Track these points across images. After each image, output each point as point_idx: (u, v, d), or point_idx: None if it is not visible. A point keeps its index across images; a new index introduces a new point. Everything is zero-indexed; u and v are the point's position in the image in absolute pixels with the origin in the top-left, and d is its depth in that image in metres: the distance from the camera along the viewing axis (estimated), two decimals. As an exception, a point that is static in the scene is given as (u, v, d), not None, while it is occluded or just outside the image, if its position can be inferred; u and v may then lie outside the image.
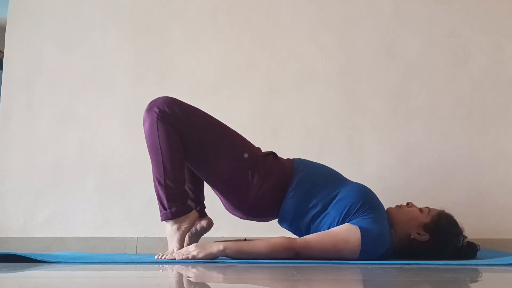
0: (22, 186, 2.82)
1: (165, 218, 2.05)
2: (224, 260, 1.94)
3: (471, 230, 2.13)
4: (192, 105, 2.15)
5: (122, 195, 2.81)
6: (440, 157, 2.84)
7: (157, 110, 2.04)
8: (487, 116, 2.88)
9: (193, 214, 2.09)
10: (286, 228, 2.16)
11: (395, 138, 2.86)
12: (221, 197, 2.17)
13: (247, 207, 2.09)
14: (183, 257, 1.92)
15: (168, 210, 2.04)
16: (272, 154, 2.16)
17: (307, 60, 2.91)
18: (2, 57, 3.00)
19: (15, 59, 2.92)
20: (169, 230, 2.06)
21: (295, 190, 2.06)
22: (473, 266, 1.88)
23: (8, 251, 2.02)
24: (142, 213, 2.77)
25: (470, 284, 1.55)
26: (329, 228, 2.02)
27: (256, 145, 2.19)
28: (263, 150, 2.19)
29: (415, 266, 1.83)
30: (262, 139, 2.83)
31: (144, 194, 2.75)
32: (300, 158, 2.20)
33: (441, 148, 2.85)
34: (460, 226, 2.09)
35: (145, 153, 2.73)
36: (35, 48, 2.93)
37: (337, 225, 2.01)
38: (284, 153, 2.82)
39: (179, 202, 2.05)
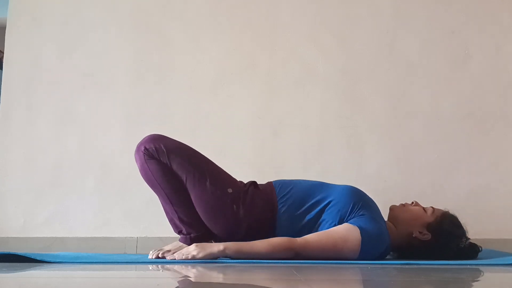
0: (22, 186, 2.82)
1: (183, 241, 2.09)
2: (224, 260, 1.94)
3: (471, 230, 2.13)
4: (179, 140, 2.15)
5: (122, 195, 2.81)
6: (440, 157, 2.84)
7: (143, 149, 2.08)
8: (487, 116, 2.88)
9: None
10: None
11: (395, 138, 2.86)
12: (214, 231, 2.13)
13: (241, 226, 2.07)
14: (183, 257, 1.92)
15: (188, 236, 2.08)
16: (253, 185, 2.14)
17: (307, 60, 2.91)
18: (2, 57, 3.00)
19: (15, 59, 2.92)
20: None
21: (284, 214, 2.05)
22: (474, 266, 1.87)
23: (8, 251, 2.02)
24: (142, 213, 2.77)
25: (471, 284, 1.55)
26: None
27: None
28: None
29: (415, 266, 1.83)
30: (262, 139, 2.84)
31: (144, 194, 2.74)
32: (278, 180, 2.17)
33: (441, 148, 2.85)
34: (464, 227, 2.09)
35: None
36: (35, 48, 2.93)
37: None
38: (284, 153, 2.83)
39: (196, 228, 2.08)
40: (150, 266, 1.86)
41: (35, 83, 2.90)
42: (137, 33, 2.94)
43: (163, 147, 2.07)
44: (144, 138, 2.12)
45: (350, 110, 2.88)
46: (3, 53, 2.97)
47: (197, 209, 2.08)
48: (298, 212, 2.05)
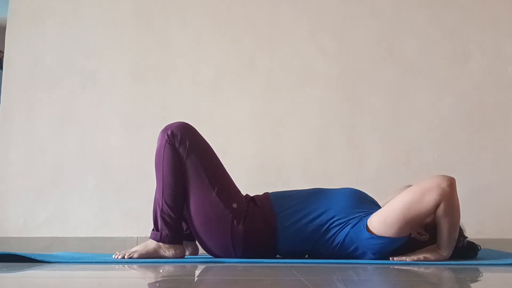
0: (22, 186, 2.82)
1: (153, 237, 2.04)
2: (224, 260, 1.94)
3: (471, 230, 2.13)
4: (206, 141, 2.12)
5: (122, 195, 2.81)
6: (440, 157, 2.84)
7: (169, 133, 2.05)
8: (487, 116, 2.88)
9: (180, 249, 2.05)
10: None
11: (395, 138, 2.86)
12: (205, 242, 2.09)
13: (239, 243, 2.03)
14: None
15: (159, 232, 2.03)
16: (252, 201, 2.10)
17: (307, 60, 2.91)
18: (2, 57, 3.00)
19: (15, 59, 2.92)
20: (150, 246, 2.04)
21: (286, 228, 2.02)
22: (474, 266, 1.87)
23: (8, 251, 2.02)
24: (142, 213, 2.77)
25: (470, 284, 1.55)
26: (344, 241, 2.00)
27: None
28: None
29: (415, 266, 1.83)
30: (262, 139, 2.84)
31: (144, 194, 2.74)
32: (273, 192, 2.14)
33: (441, 148, 2.85)
34: (462, 227, 2.09)
35: (145, 153, 2.73)
36: (35, 48, 2.93)
37: (354, 234, 1.98)
38: (284, 153, 2.83)
39: (172, 228, 2.03)
40: (150, 266, 1.86)
41: (35, 83, 2.90)
42: (137, 33, 2.95)
43: (187, 141, 2.04)
44: (175, 122, 2.10)
45: (350, 110, 2.88)
46: (3, 53, 2.97)
47: (194, 217, 2.04)
48: (300, 224, 2.02)
